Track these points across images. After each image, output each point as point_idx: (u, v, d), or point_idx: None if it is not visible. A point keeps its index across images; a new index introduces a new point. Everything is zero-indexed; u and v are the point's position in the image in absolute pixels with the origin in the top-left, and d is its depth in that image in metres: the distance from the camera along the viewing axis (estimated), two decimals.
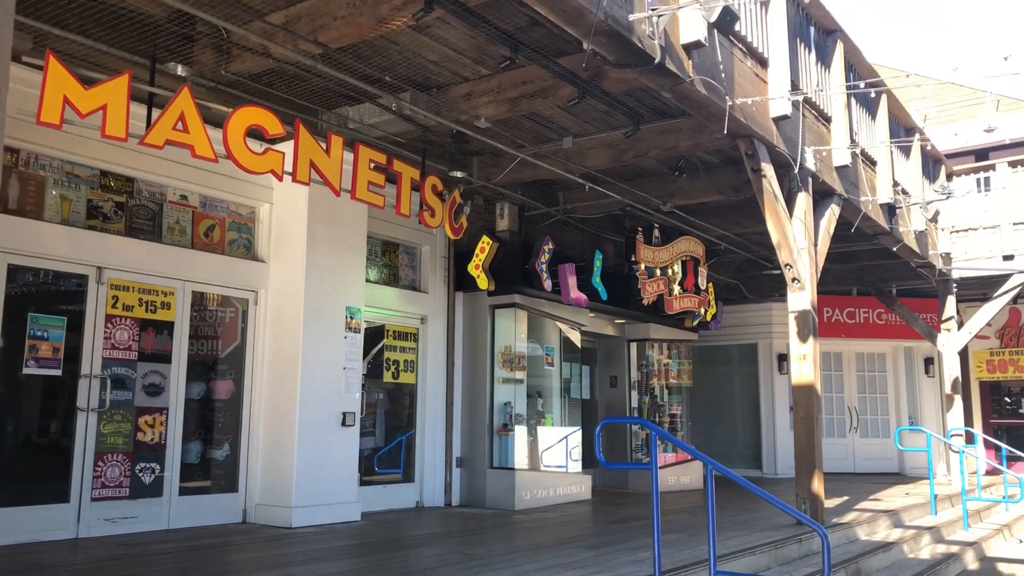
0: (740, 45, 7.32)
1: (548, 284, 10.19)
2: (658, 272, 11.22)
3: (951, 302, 13.71)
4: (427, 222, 8.19)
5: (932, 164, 13.51)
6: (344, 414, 8.23)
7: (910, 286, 14.80)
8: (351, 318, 8.44)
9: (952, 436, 12.92)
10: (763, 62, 7.75)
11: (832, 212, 9.12)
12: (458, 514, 9.22)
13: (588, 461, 11.28)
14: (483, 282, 9.95)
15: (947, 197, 11.30)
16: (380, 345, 9.59)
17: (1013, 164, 13.53)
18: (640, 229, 11.21)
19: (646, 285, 10.98)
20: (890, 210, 10.82)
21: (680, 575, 5.56)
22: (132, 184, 7.52)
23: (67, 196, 7.05)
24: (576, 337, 11.68)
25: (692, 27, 6.10)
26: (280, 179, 6.65)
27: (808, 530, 7.14)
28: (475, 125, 7.85)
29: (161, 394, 7.47)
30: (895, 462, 15.80)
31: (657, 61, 5.81)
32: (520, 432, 10.19)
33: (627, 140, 8.60)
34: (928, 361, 16.20)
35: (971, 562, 8.65)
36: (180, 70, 6.70)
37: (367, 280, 9.09)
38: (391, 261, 9.97)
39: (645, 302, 11.16)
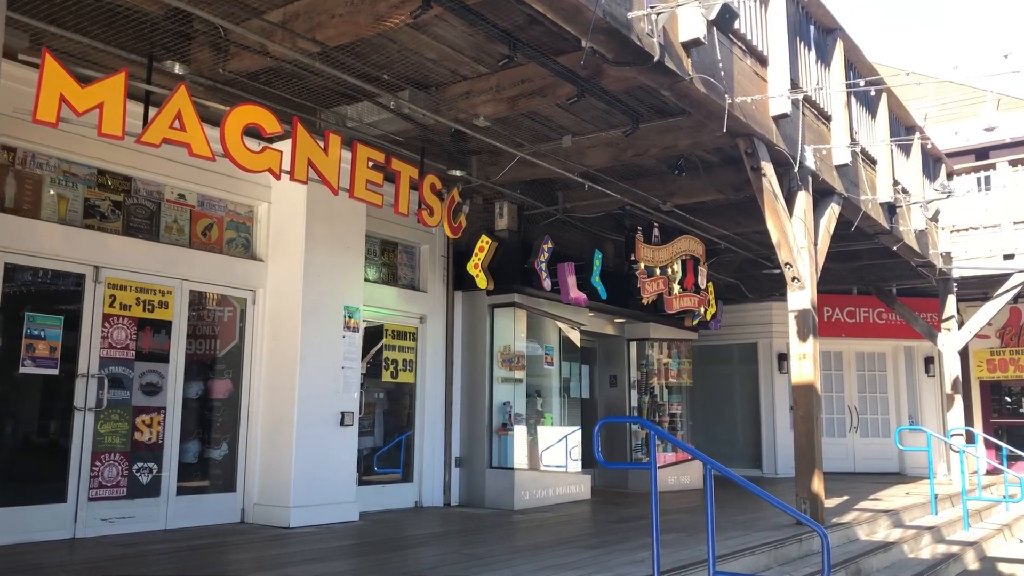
0: (739, 43, 7.30)
1: (547, 283, 10.17)
2: (658, 271, 11.20)
3: (951, 301, 13.69)
4: (426, 221, 8.17)
5: (932, 163, 13.49)
6: (342, 414, 8.20)
7: (910, 285, 14.77)
8: (349, 317, 8.42)
9: (952, 436, 12.89)
10: (763, 60, 7.72)
11: (832, 211, 9.09)
12: (457, 514, 9.20)
13: (588, 461, 11.26)
14: (482, 281, 9.93)
15: (947, 196, 11.28)
16: (379, 345, 9.57)
17: (1014, 163, 13.50)
18: (640, 228, 11.19)
19: (646, 284, 10.96)
20: (890, 209, 10.80)
21: (679, 575, 5.52)
22: (130, 183, 7.49)
23: (64, 195, 7.03)
24: (576, 336, 11.66)
25: (691, 25, 6.07)
26: (278, 178, 6.62)
27: (808, 530, 7.12)
28: (474, 124, 7.83)
29: (159, 393, 7.44)
30: (895, 462, 15.77)
31: (656, 59, 5.78)
32: (519, 432, 10.17)
33: (626, 139, 8.57)
34: (928, 360, 16.17)
35: (971, 562, 8.63)
36: (178, 68, 6.67)
37: (366, 279, 9.07)
38: (390, 260, 9.95)
39: (645, 301, 11.14)
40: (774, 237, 8.06)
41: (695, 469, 12.52)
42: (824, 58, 9.23)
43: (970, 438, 13.92)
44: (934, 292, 14.26)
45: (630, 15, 5.50)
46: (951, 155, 15.51)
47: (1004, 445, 13.14)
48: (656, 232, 11.44)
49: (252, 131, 6.41)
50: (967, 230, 13.60)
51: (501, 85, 7.44)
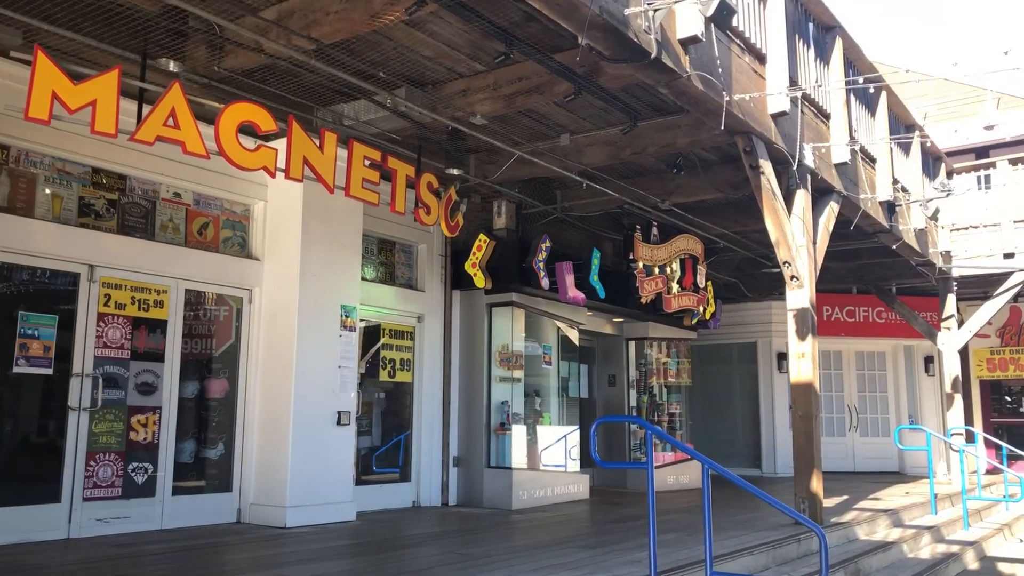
0: (738, 41, 7.26)
1: (546, 282, 10.13)
2: (656, 270, 11.17)
3: (951, 300, 13.65)
4: (422, 220, 8.13)
5: (932, 162, 13.45)
6: (339, 413, 8.17)
7: (910, 284, 14.73)
8: (346, 316, 8.38)
9: (952, 435, 12.86)
10: (761, 58, 7.69)
11: (831, 210, 9.06)
12: (455, 514, 9.16)
13: (586, 460, 11.22)
14: (480, 280, 9.89)
15: (947, 195, 11.23)
16: (378, 345, 9.53)
17: (1014, 162, 13.47)
18: (638, 227, 11.16)
19: (644, 283, 10.93)
20: (890, 208, 10.76)
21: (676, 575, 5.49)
22: (125, 181, 7.46)
23: (59, 193, 6.99)
24: (574, 336, 11.63)
25: (689, 22, 6.03)
26: (273, 176, 6.58)
27: (806, 530, 7.08)
28: (471, 122, 7.79)
29: (154, 393, 7.41)
30: (895, 461, 15.74)
31: (653, 56, 5.74)
32: (517, 431, 10.14)
33: (624, 137, 8.53)
34: (928, 360, 16.14)
35: (971, 562, 8.59)
36: (172, 66, 6.64)
37: (363, 278, 9.04)
38: (387, 259, 9.91)
39: (643, 300, 11.10)
40: (773, 236, 8.03)
41: (694, 469, 12.48)
42: (823, 56, 9.19)
43: (970, 437, 13.88)
44: (934, 291, 14.23)
45: (627, 12, 5.46)
46: (951, 154, 15.47)
47: (1004, 444, 13.10)
48: (655, 231, 11.41)
49: (248, 129, 6.38)
50: (967, 229, 13.56)
51: (498, 83, 7.40)
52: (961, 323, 13.94)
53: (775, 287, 14.68)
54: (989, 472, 14.17)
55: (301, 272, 7.99)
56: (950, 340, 13.61)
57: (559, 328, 11.28)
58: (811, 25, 8.90)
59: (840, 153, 9.15)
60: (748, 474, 14.89)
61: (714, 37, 6.53)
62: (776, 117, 7.76)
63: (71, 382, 6.81)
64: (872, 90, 10.11)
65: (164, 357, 7.51)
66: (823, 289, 14.64)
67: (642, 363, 12.85)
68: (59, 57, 5.91)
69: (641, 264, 10.93)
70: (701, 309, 12.37)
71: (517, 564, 5.90)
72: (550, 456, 10.62)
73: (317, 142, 6.85)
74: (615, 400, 12.69)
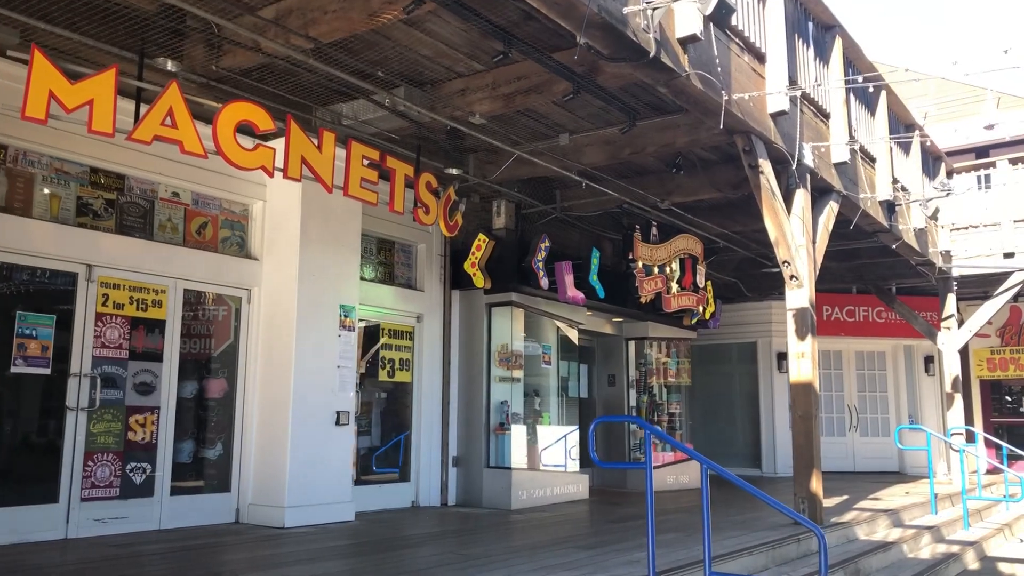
0: (737, 40, 7.24)
1: (545, 282, 10.12)
2: (656, 270, 11.15)
3: (951, 300, 13.63)
4: (421, 219, 8.11)
5: (932, 161, 13.44)
6: (338, 413, 8.15)
7: (910, 284, 14.71)
8: (345, 316, 8.37)
9: (952, 435, 12.84)
10: (760, 57, 7.67)
11: (831, 209, 9.04)
12: (454, 514, 9.15)
13: (586, 460, 11.20)
14: (479, 280, 9.88)
15: (947, 194, 11.22)
16: (378, 345, 9.52)
17: (1014, 161, 13.45)
18: (638, 227, 11.14)
19: (644, 283, 10.91)
20: (889, 207, 10.75)
21: None
22: (123, 181, 7.44)
23: (56, 193, 6.98)
24: (574, 335, 11.61)
25: (688, 20, 6.01)
26: (271, 175, 6.57)
27: (806, 530, 7.06)
28: (470, 121, 7.77)
29: (152, 393, 7.39)
30: (895, 461, 15.72)
31: (652, 55, 5.73)
32: (517, 431, 10.12)
33: (624, 137, 8.52)
34: (928, 359, 16.12)
35: (971, 562, 8.57)
36: (170, 65, 6.63)
37: (362, 278, 9.03)
38: (387, 259, 9.90)
39: (643, 300, 11.09)
40: (772, 235, 8.01)
41: (694, 469, 12.46)
42: (823, 55, 9.18)
43: (970, 437, 13.85)
44: (934, 291, 14.21)
45: (626, 10, 5.44)
46: (951, 153, 15.45)
47: (1004, 444, 13.08)
48: (654, 231, 11.39)
49: (246, 129, 6.36)
50: (967, 228, 13.54)
51: (497, 82, 7.39)
52: (961, 323, 13.92)
53: (775, 287, 14.66)
54: (989, 472, 14.15)
55: (300, 272, 7.98)
56: (950, 340, 13.59)
57: (559, 328, 11.26)
58: (810, 24, 8.88)
59: (840, 152, 9.13)
60: (748, 474, 14.87)
61: (713, 36, 6.52)
62: (775, 116, 7.74)
63: (69, 382, 6.80)
64: (871, 89, 10.10)
65: (162, 357, 7.50)
66: (823, 289, 14.62)
67: (642, 363, 12.84)
68: (57, 56, 5.91)
69: (640, 264, 10.92)
70: (701, 309, 12.35)
71: (516, 564, 5.89)
72: (550, 456, 10.60)
73: (315, 141, 6.84)
74: (615, 400, 12.68)
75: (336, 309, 8.28)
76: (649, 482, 4.95)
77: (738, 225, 11.85)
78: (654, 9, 5.57)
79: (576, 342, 11.75)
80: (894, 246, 11.28)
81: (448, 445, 9.94)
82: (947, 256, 13.35)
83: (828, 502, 9.63)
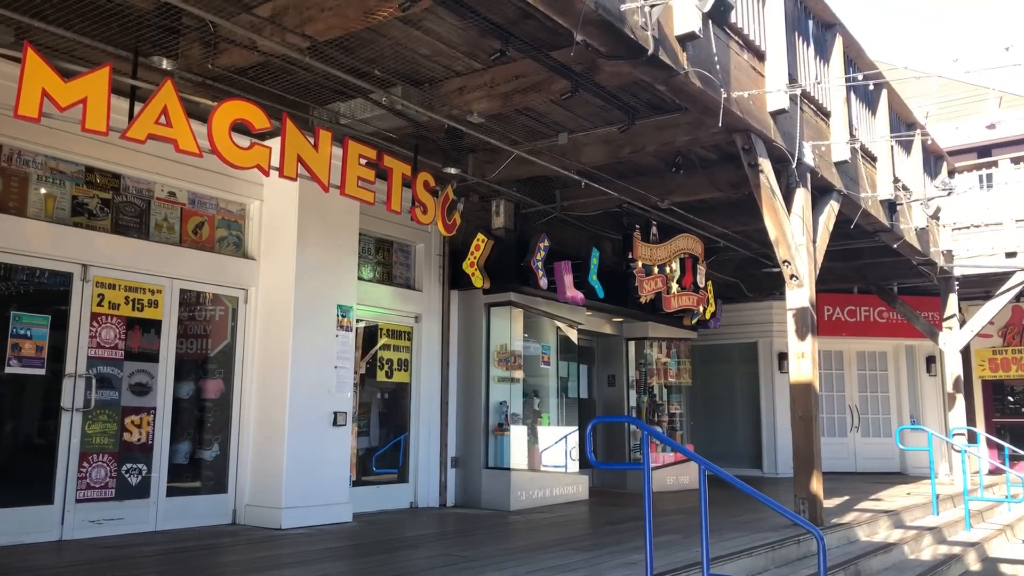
0: (736, 38, 7.20)
1: (544, 282, 10.07)
2: (656, 270, 11.10)
3: (953, 300, 13.57)
4: (419, 219, 8.07)
5: (934, 160, 13.38)
6: (335, 413, 8.11)
7: (911, 284, 14.66)
8: (343, 316, 8.33)
9: (954, 435, 12.79)
10: (760, 55, 7.63)
11: (831, 208, 8.99)
12: (452, 515, 9.10)
13: (586, 461, 11.15)
14: (478, 280, 9.84)
15: (948, 193, 11.16)
16: (379, 345, 9.47)
17: (1016, 160, 13.40)
18: (638, 226, 11.10)
19: (644, 283, 10.86)
20: (891, 207, 10.69)
21: None
22: (119, 180, 7.40)
23: (52, 192, 6.94)
24: (573, 335, 11.56)
25: (686, 18, 5.96)
26: (267, 174, 6.53)
27: (807, 531, 7.01)
28: (468, 120, 7.73)
29: (148, 394, 7.35)
30: (896, 461, 15.66)
31: (650, 53, 5.68)
32: (516, 432, 10.07)
33: (623, 136, 8.48)
34: (930, 359, 16.06)
35: (973, 563, 8.52)
36: (166, 64, 6.58)
37: (360, 278, 8.99)
38: (385, 259, 9.85)
39: (642, 300, 11.04)
40: (772, 234, 7.97)
41: (694, 469, 12.41)
42: (823, 54, 9.13)
43: (972, 438, 13.81)
44: (935, 291, 14.16)
45: (623, 7, 5.40)
46: (953, 153, 15.39)
47: (1006, 445, 13.01)
48: (654, 230, 11.34)
49: (242, 127, 6.32)
50: (969, 228, 13.49)
51: (495, 81, 7.35)
52: (963, 323, 13.86)
53: (776, 287, 14.60)
54: (991, 473, 14.10)
55: (297, 272, 7.94)
56: (952, 340, 13.54)
57: (558, 328, 11.21)
58: (811, 23, 8.84)
59: (840, 151, 9.08)
60: (749, 475, 14.82)
61: (712, 34, 6.47)
62: (775, 115, 7.70)
63: (64, 382, 6.76)
64: (871, 86, 10.04)
65: (158, 357, 7.46)
66: (824, 289, 14.58)
67: (642, 363, 12.79)
68: (51, 55, 5.87)
69: (640, 264, 10.87)
70: (701, 309, 12.30)
71: (511, 567, 5.84)
72: (549, 457, 10.55)
73: (312, 140, 6.80)
74: (615, 400, 12.63)
75: (333, 309, 8.24)
76: (647, 483, 4.90)
77: (739, 225, 11.80)
78: (652, 6, 5.52)
79: (576, 342, 11.70)
80: (895, 246, 11.23)
81: (447, 446, 9.90)
82: (949, 256, 13.30)
83: (829, 503, 9.58)
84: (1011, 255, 12.97)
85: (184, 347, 7.76)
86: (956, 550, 8.59)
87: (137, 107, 5.88)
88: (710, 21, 6.27)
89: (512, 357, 10.26)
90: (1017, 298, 14.10)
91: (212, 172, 7.61)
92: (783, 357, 15.19)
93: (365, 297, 9.04)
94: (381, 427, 9.59)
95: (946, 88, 17.51)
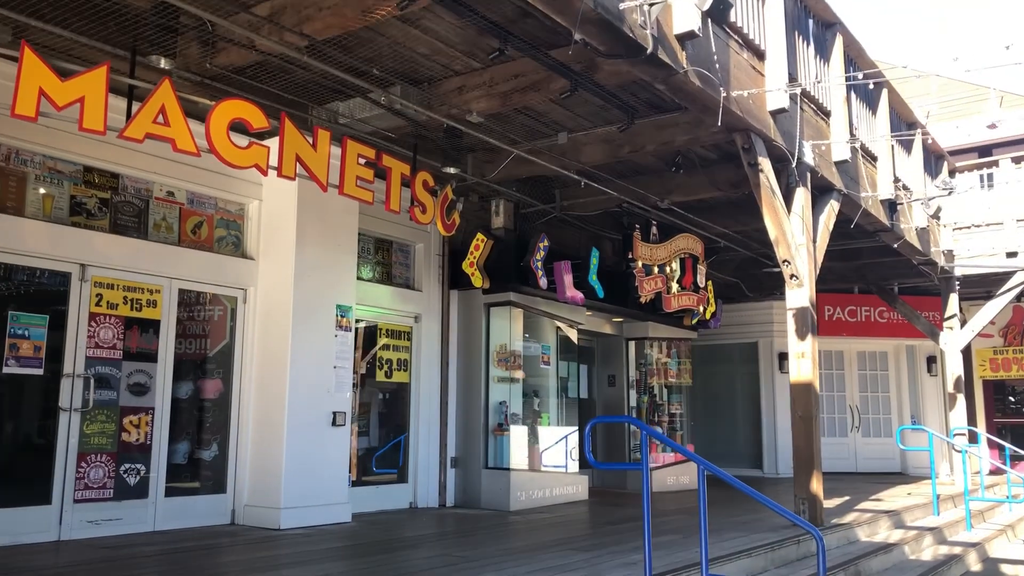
0: (736, 37, 7.18)
1: (543, 282, 10.06)
2: (656, 270, 11.08)
3: (954, 300, 13.55)
4: (418, 218, 8.05)
5: (934, 160, 13.35)
6: (334, 414, 8.09)
7: (912, 284, 14.63)
8: (342, 316, 8.31)
9: (955, 435, 12.76)
10: (760, 54, 7.61)
11: (831, 208, 8.97)
12: (452, 515, 9.09)
13: (586, 461, 11.13)
14: (478, 280, 9.82)
15: (949, 193, 11.14)
16: (379, 346, 9.45)
17: (1016, 160, 13.38)
18: (638, 226, 11.08)
19: (643, 283, 10.84)
20: (891, 206, 10.67)
21: None
22: (117, 180, 7.39)
23: (50, 192, 6.92)
24: (573, 335, 11.55)
25: (685, 16, 5.94)
26: (265, 173, 6.51)
27: (806, 531, 6.99)
28: (467, 120, 7.71)
29: (147, 394, 7.34)
30: (897, 462, 15.64)
31: (649, 52, 5.65)
32: (516, 432, 10.05)
33: (622, 135, 8.46)
34: (931, 359, 16.03)
35: (974, 563, 8.50)
36: (164, 63, 6.57)
37: (359, 278, 8.97)
38: (384, 259, 9.84)
39: (642, 300, 11.02)
40: (772, 234, 7.95)
41: (694, 469, 12.38)
42: (823, 53, 9.11)
43: (973, 438, 13.78)
44: (936, 291, 14.13)
45: (622, 6, 5.38)
46: (954, 152, 15.36)
47: (1007, 445, 12.97)
48: (654, 230, 11.32)
49: (240, 127, 6.30)
50: (969, 228, 13.47)
51: (494, 80, 7.33)
52: (964, 323, 13.84)
53: (776, 287, 14.56)
54: (992, 473, 14.07)
55: (296, 271, 7.92)
56: (953, 340, 13.51)
57: (558, 328, 11.19)
58: (811, 22, 8.81)
59: (840, 151, 9.06)
60: (749, 475, 14.80)
61: (711, 32, 6.45)
62: (775, 114, 7.68)
63: (62, 382, 6.74)
64: (871, 85, 10.02)
65: (157, 357, 7.44)
66: (824, 289, 14.56)
67: (642, 363, 12.77)
68: (49, 54, 5.86)
69: (640, 263, 10.84)
70: (701, 309, 12.27)
71: (510, 567, 5.83)
72: (549, 457, 10.54)
73: (310, 140, 6.78)
74: (615, 400, 12.61)
75: (333, 309, 8.23)
76: (646, 483, 4.88)
77: (739, 224, 11.78)
78: (651, 5, 5.50)
79: (576, 342, 11.68)
80: (896, 245, 11.21)
81: (446, 446, 9.88)
82: (949, 255, 13.27)
83: (829, 503, 9.56)
84: (1012, 255, 12.94)
85: (183, 347, 7.75)
86: (957, 550, 8.57)
87: (135, 106, 5.87)
88: (709, 20, 6.26)
89: (512, 357, 10.25)
90: (1018, 298, 14.08)
91: (211, 172, 7.60)
92: (783, 357, 15.16)
93: (364, 297, 9.02)
94: (381, 427, 9.58)
95: (947, 88, 17.48)
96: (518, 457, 9.99)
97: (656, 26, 5.69)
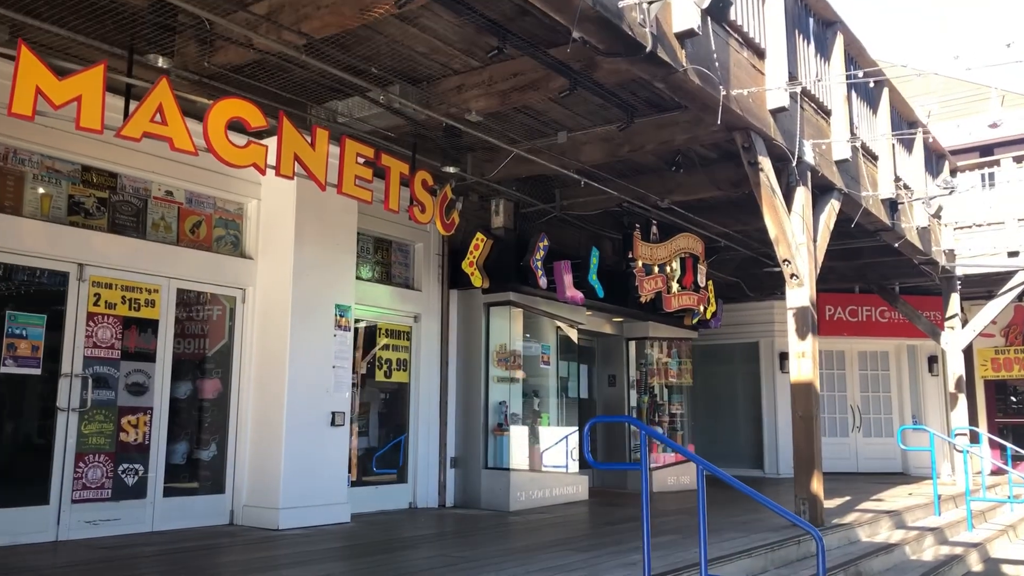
0: (736, 35, 7.16)
1: (543, 281, 10.04)
2: (656, 269, 11.06)
3: (955, 299, 13.51)
4: (417, 218, 8.03)
5: (935, 159, 13.32)
6: (333, 413, 8.07)
7: (913, 283, 14.60)
8: (341, 316, 8.29)
9: (956, 435, 12.73)
10: (760, 53, 7.58)
11: (832, 207, 8.94)
12: (452, 515, 9.06)
13: (587, 461, 11.10)
14: (477, 280, 9.80)
15: (950, 192, 11.11)
16: (380, 346, 9.43)
17: (1018, 159, 13.35)
18: (638, 226, 11.05)
19: (644, 282, 10.81)
20: (892, 205, 10.64)
21: None
22: (115, 179, 7.37)
23: (48, 191, 6.91)
24: (573, 335, 11.52)
25: (685, 15, 5.92)
26: (263, 173, 6.49)
27: (806, 531, 6.97)
28: (466, 119, 7.68)
29: (145, 393, 7.32)
30: (898, 462, 15.61)
31: (648, 50, 5.63)
32: (515, 432, 10.03)
33: (622, 134, 8.44)
34: (932, 359, 16.00)
35: (975, 563, 8.47)
36: (161, 62, 6.55)
37: (358, 278, 8.95)
38: (384, 259, 9.81)
39: (643, 299, 11.00)
40: (772, 233, 7.92)
41: (695, 469, 12.34)
42: (824, 52, 9.08)
43: (974, 438, 13.74)
44: (937, 290, 14.09)
45: (621, 4, 5.35)
46: (955, 152, 15.32)
47: (1009, 445, 12.92)
48: (654, 230, 11.30)
49: (238, 126, 6.28)
50: (971, 227, 13.43)
51: (493, 79, 7.31)
52: (965, 322, 13.80)
53: (777, 287, 14.51)
54: (994, 473, 14.04)
55: (295, 271, 7.90)
56: (954, 339, 13.48)
57: (558, 328, 11.17)
58: (811, 20, 8.79)
59: (841, 150, 9.03)
60: (750, 475, 14.78)
61: (711, 31, 6.43)
62: (775, 113, 7.65)
63: (60, 382, 6.72)
64: (872, 84, 9.99)
65: (155, 357, 7.42)
66: (825, 289, 14.53)
67: (643, 363, 12.74)
68: (47, 53, 5.85)
69: (640, 263, 10.82)
70: (702, 309, 12.25)
71: (509, 567, 5.80)
72: (549, 457, 10.51)
73: (308, 139, 6.76)
74: (615, 400, 12.58)
75: (331, 309, 8.21)
76: (644, 483, 4.86)
77: (740, 224, 11.76)
78: (650, 3, 5.47)
79: (576, 342, 11.66)
80: (896, 245, 11.18)
81: (446, 446, 9.86)
82: (951, 255, 13.24)
83: (830, 503, 9.53)
84: (1013, 254, 12.91)
85: (181, 347, 7.73)
86: (958, 551, 8.54)
87: (133, 105, 5.85)
88: (709, 18, 6.24)
89: (512, 357, 10.22)
90: (1020, 298, 14.04)
91: (209, 171, 7.58)
92: (784, 357, 15.12)
93: (364, 297, 9.00)
94: (380, 427, 9.56)
95: (948, 87, 17.45)
96: (518, 457, 9.96)
97: (655, 24, 5.67)
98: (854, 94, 9.75)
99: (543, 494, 10.04)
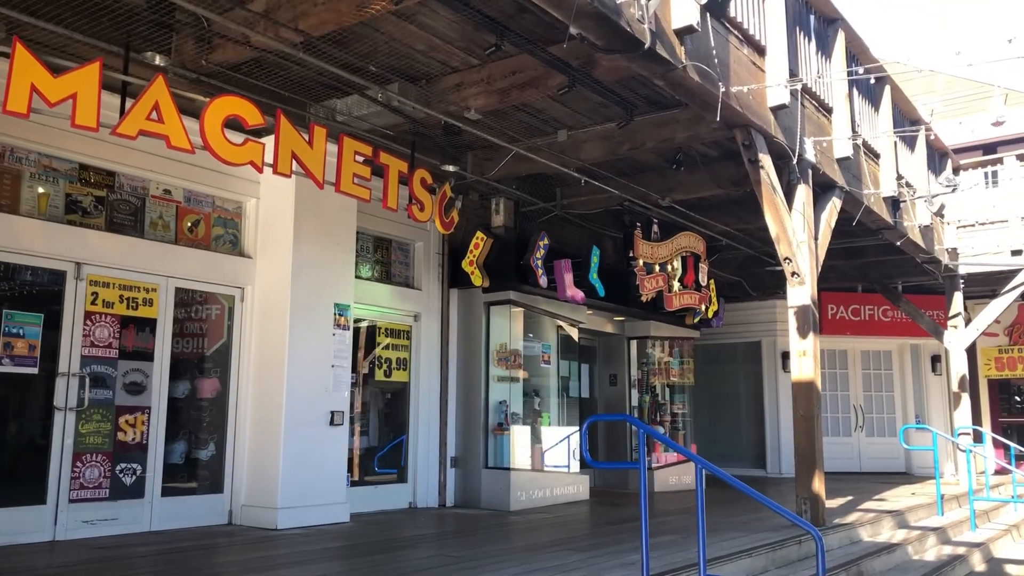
0: (736, 32, 7.11)
1: (543, 280, 10.00)
2: (657, 268, 11.01)
3: (958, 298, 13.46)
4: (416, 216, 8.00)
5: (938, 157, 13.26)
6: (332, 413, 8.04)
7: (916, 282, 14.54)
8: (340, 315, 8.26)
9: (959, 435, 12.67)
10: (760, 50, 7.54)
11: (833, 205, 8.90)
12: (451, 515, 9.03)
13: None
14: (477, 279, 9.76)
15: (953, 190, 11.07)
16: (381, 346, 9.40)
17: (1022, 157, 13.28)
18: (639, 224, 11.01)
19: (644, 281, 10.77)
20: (894, 204, 10.59)
21: None
22: (113, 178, 7.34)
23: (45, 190, 6.88)
24: (574, 334, 11.48)
25: (684, 11, 5.89)
26: (260, 171, 6.46)
27: (807, 531, 6.92)
28: (465, 117, 7.65)
29: (143, 393, 7.29)
30: (901, 461, 15.54)
31: (647, 46, 5.60)
32: (516, 431, 9.99)
33: (622, 132, 8.40)
34: (935, 359, 15.94)
35: (978, 563, 8.42)
36: (158, 60, 6.53)
37: (358, 277, 8.92)
38: (383, 257, 9.78)
39: (644, 298, 10.95)
40: (773, 231, 7.88)
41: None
42: (825, 49, 9.03)
43: (978, 437, 13.68)
44: (940, 289, 14.04)
45: (619, 0, 5.32)
46: (958, 150, 15.26)
47: (1012, 444, 12.88)
48: (655, 228, 11.25)
49: (236, 124, 6.26)
50: (974, 226, 13.38)
51: (492, 77, 7.28)
52: (968, 321, 13.74)
53: (780, 286, 14.38)
54: (997, 472, 13.97)
55: (293, 270, 7.87)
56: (957, 339, 13.42)
57: (559, 327, 11.13)
58: (812, 17, 8.74)
59: (842, 147, 8.98)
60: (752, 475, 14.72)
61: (710, 27, 6.40)
62: (776, 110, 7.60)
63: (57, 381, 6.70)
64: (873, 80, 9.94)
65: (153, 356, 7.39)
66: (828, 288, 14.49)
67: (644, 362, 12.70)
68: (43, 51, 5.82)
69: (641, 262, 10.77)
70: (703, 308, 12.20)
71: (508, 567, 5.77)
72: (549, 457, 10.47)
73: (306, 137, 6.73)
74: (616, 400, 12.53)
75: (331, 308, 8.18)
76: (643, 483, 4.83)
77: (741, 222, 11.71)
78: None
79: (577, 341, 11.62)
80: (899, 243, 11.13)
81: (446, 445, 9.82)
82: (953, 254, 13.18)
83: (832, 503, 9.48)
84: (1017, 253, 12.85)
85: (180, 346, 7.71)
86: (961, 551, 8.49)
87: (129, 103, 5.82)
88: (708, 14, 6.21)
89: (512, 356, 10.19)
90: (1023, 296, 13.99)
91: (208, 170, 7.55)
92: (787, 356, 14.99)
93: (363, 296, 8.97)
94: (380, 427, 9.53)
95: (951, 85, 17.39)
96: (518, 457, 9.93)
97: (654, 20, 5.63)
98: (856, 91, 9.70)
99: (544, 494, 10.00)
